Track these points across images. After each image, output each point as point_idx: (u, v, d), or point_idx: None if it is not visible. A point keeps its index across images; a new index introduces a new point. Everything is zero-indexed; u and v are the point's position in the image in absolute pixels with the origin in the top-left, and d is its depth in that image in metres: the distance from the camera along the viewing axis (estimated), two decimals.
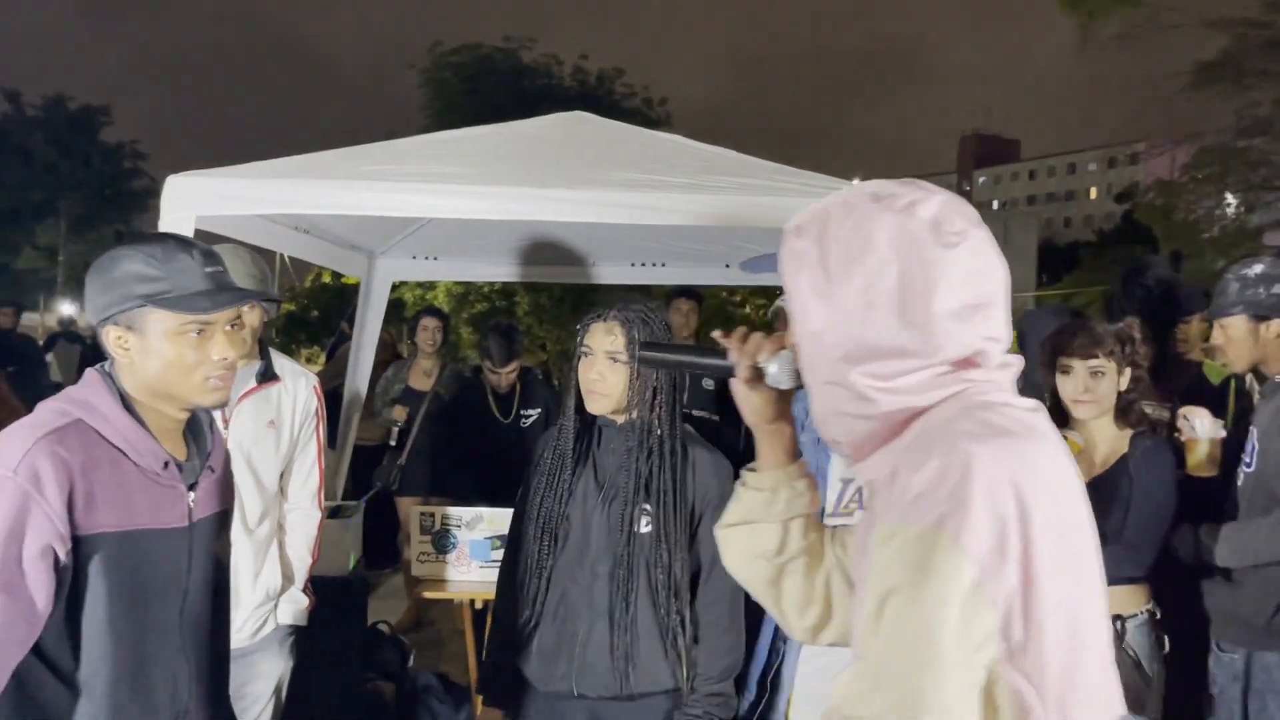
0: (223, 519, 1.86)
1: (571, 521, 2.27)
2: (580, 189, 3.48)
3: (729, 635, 2.28)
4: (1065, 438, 2.77)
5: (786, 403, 1.47)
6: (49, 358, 11.38)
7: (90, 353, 8.44)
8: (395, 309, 18.48)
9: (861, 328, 1.16)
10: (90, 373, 1.70)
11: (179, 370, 1.65)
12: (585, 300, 18.39)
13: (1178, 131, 21.85)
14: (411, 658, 4.43)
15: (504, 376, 5.14)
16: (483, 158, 3.79)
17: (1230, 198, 22.96)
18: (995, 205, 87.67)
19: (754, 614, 2.64)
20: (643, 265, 5.81)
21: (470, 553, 3.76)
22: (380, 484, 5.56)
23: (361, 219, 4.16)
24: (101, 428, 1.62)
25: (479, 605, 3.81)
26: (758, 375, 1.41)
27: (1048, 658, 1.06)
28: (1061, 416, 2.74)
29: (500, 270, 6.01)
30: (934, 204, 1.19)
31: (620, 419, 2.28)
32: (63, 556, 1.55)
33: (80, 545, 1.57)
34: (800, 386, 1.35)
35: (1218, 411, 3.40)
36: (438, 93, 20.38)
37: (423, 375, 5.79)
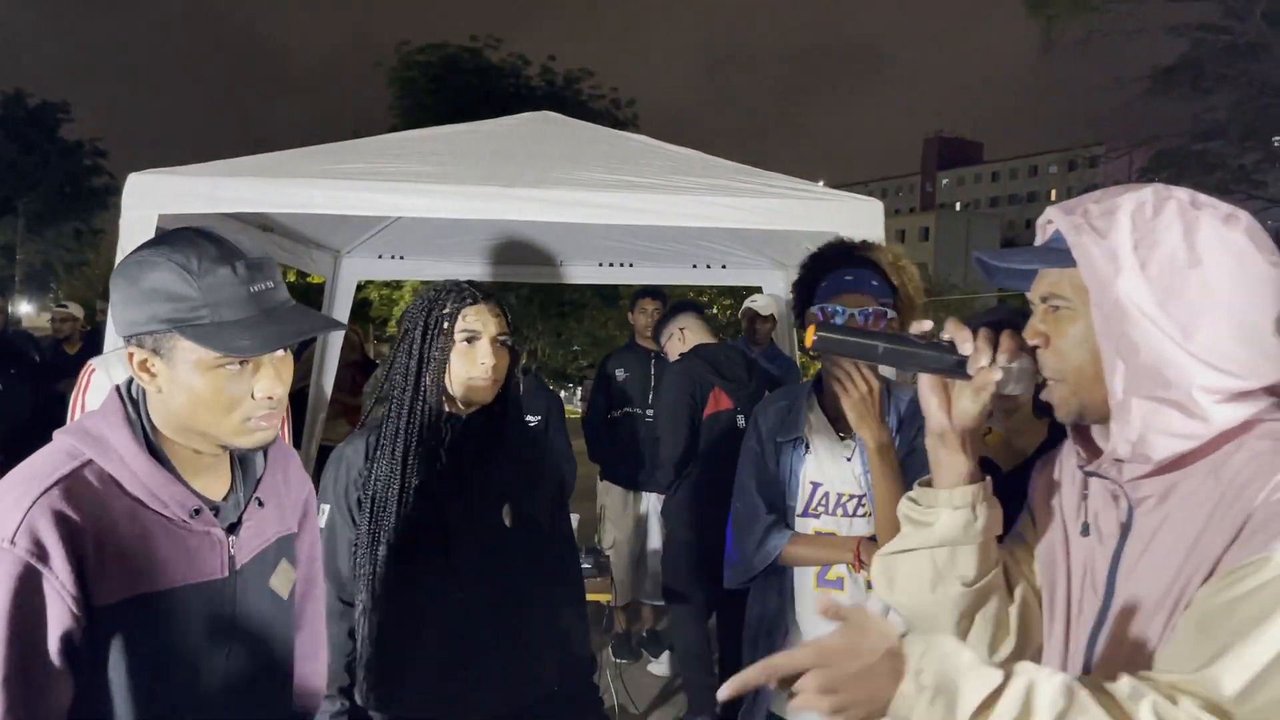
0: (284, 545, 1.56)
1: (443, 528, 2.00)
2: (548, 189, 3.48)
3: (587, 619, 2.29)
4: (990, 429, 2.82)
5: (997, 410, 1.34)
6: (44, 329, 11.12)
7: (47, 355, 8.24)
8: (361, 309, 18.35)
9: (1198, 342, 1.09)
10: (111, 398, 1.40)
11: (213, 409, 1.34)
12: (554, 300, 18.38)
13: (1136, 135, 22.19)
14: None
15: None
16: (450, 157, 3.78)
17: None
18: (958, 206, 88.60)
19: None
20: (610, 265, 5.82)
21: None
22: None
23: (327, 218, 4.13)
24: (117, 472, 1.32)
25: None
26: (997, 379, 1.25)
27: None
28: None
29: (467, 270, 5.98)
30: (1248, 219, 1.14)
31: (468, 410, 2.06)
32: (77, 637, 1.27)
33: (97, 618, 1.28)
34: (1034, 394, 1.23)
35: None
36: (405, 92, 20.26)
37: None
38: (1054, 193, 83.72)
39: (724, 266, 5.75)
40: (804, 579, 2.33)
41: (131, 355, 1.35)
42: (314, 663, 1.75)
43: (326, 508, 2.05)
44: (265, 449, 1.50)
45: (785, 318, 5.67)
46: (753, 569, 2.35)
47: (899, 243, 2.34)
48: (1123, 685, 1.00)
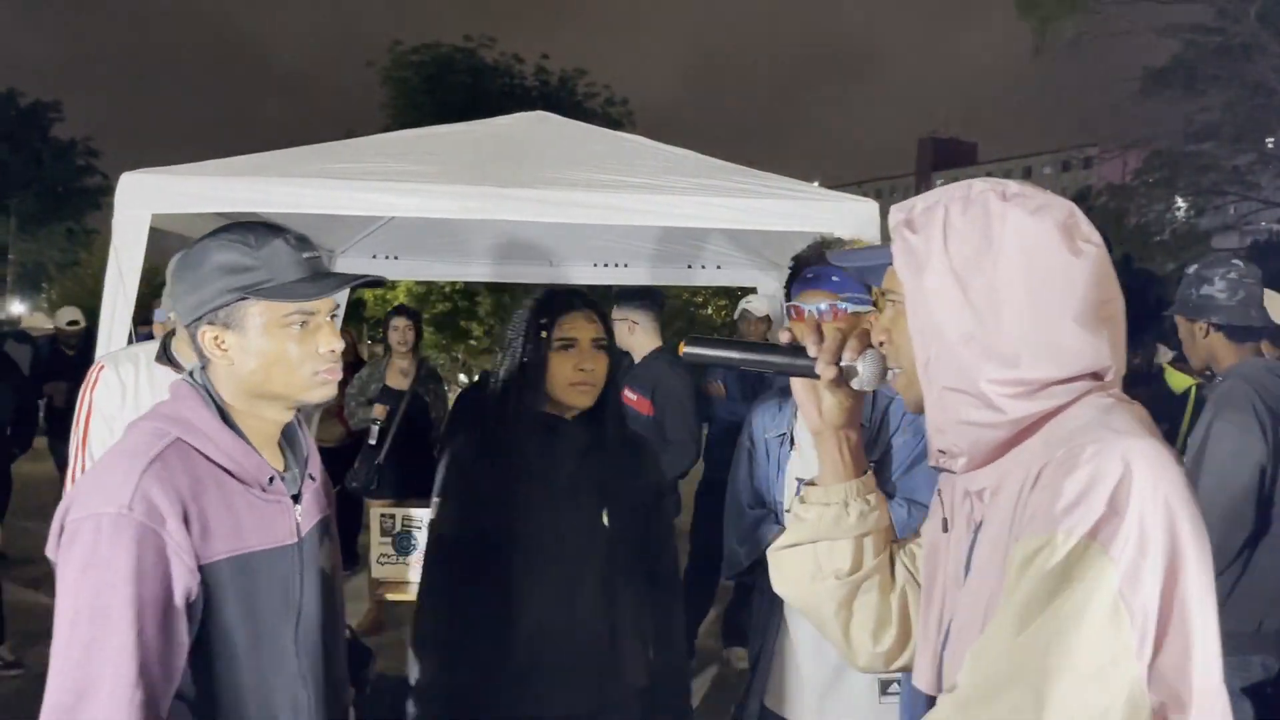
0: (324, 527, 1.71)
1: (536, 526, 2.09)
2: (542, 189, 3.47)
3: (680, 629, 2.29)
4: None
5: (860, 404, 1.37)
6: (21, 350, 11.09)
7: (44, 352, 8.20)
8: (355, 309, 18.33)
9: (993, 334, 1.10)
10: (180, 384, 1.55)
11: (284, 366, 1.50)
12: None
13: (1129, 136, 22.24)
14: (373, 661, 4.39)
15: None
16: (444, 157, 3.78)
17: (1180, 201, 23.43)
18: None
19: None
20: (605, 265, 5.82)
21: None
22: (356, 485, 5.51)
23: (321, 218, 4.12)
24: (203, 445, 1.47)
25: None
26: (842, 376, 1.30)
27: (1194, 674, 1.00)
28: None
29: (462, 270, 5.99)
30: (1064, 209, 1.13)
31: (570, 414, 2.15)
32: (194, 592, 1.41)
33: (202, 576, 1.42)
34: (886, 387, 1.27)
35: (1176, 420, 3.46)
36: (398, 92, 20.24)
37: (399, 375, 5.74)
38: None
39: (719, 267, 5.75)
40: None
41: (203, 335, 1.50)
42: (342, 653, 1.87)
43: (438, 500, 2.17)
44: (305, 431, 1.70)
45: (780, 318, 5.68)
46: (740, 564, 2.40)
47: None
48: None
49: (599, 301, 2.19)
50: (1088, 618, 0.96)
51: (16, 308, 34.00)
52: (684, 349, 1.42)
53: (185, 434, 1.47)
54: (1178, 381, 3.88)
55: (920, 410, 1.22)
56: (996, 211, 1.12)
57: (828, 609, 1.39)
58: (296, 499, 1.60)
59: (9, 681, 4.61)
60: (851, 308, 2.20)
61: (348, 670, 1.90)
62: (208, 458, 1.47)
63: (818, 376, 1.31)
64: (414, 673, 2.15)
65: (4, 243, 38.58)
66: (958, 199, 1.15)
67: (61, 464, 6.88)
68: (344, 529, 6.24)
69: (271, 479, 1.54)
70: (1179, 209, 23.68)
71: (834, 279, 2.21)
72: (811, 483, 1.42)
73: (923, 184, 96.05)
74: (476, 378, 6.06)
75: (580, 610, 2.08)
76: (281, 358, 1.50)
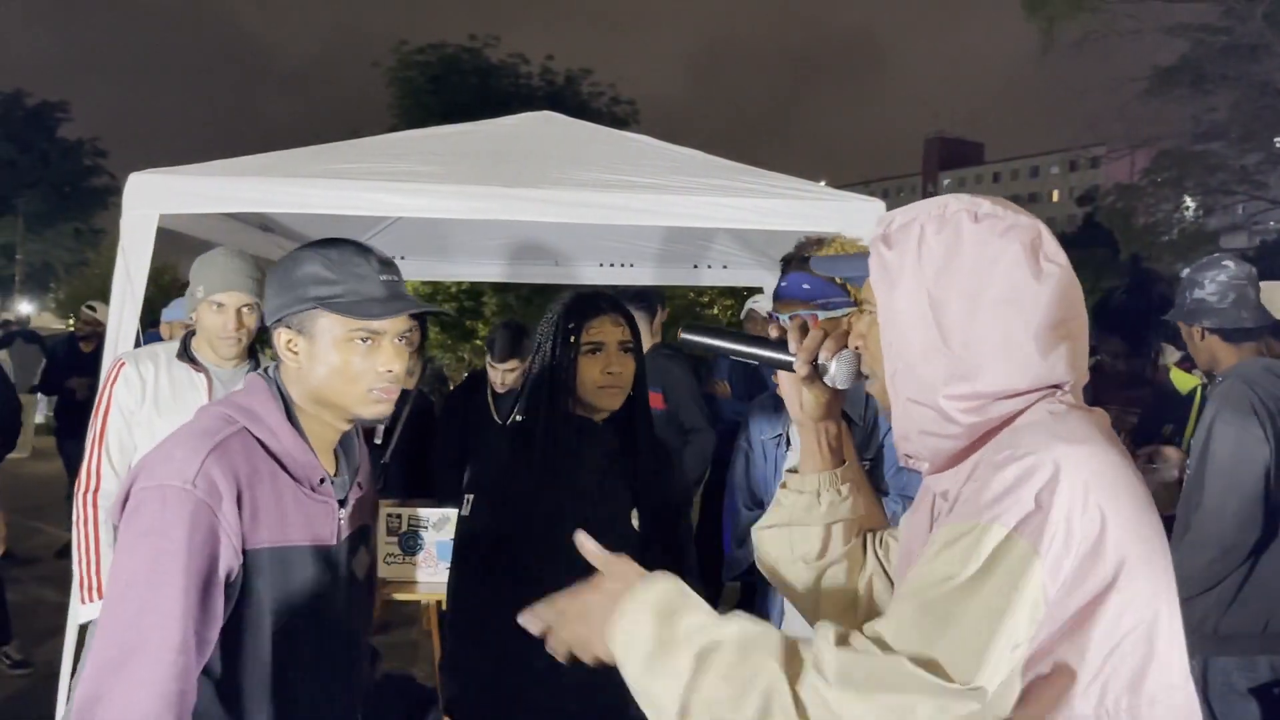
0: (364, 535, 1.78)
1: (566, 529, 2.14)
2: (548, 189, 3.48)
3: None
4: None
5: (838, 401, 1.44)
6: (1, 355, 11.14)
7: (59, 351, 8.21)
8: None
9: (955, 351, 1.15)
10: (255, 378, 1.65)
11: (344, 379, 1.59)
12: (553, 300, 18.35)
13: (1137, 136, 22.17)
14: (380, 660, 4.40)
15: (502, 374, 5.08)
16: (450, 157, 3.78)
17: (1189, 201, 23.37)
18: None
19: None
20: (611, 265, 5.82)
21: (438, 554, 3.73)
22: None
23: (327, 218, 4.13)
24: (265, 438, 1.57)
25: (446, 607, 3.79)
26: (816, 373, 1.38)
27: (1150, 678, 1.07)
28: None
29: (467, 270, 6.00)
30: (1032, 230, 1.17)
31: (599, 416, 2.18)
32: (235, 572, 1.50)
33: (246, 561, 1.51)
34: (860, 385, 1.33)
35: (1182, 421, 3.45)
36: (404, 91, 20.27)
37: (405, 375, 5.75)
38: (1055, 194, 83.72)
39: (725, 267, 5.75)
40: None
41: (279, 335, 1.61)
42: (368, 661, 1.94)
43: (470, 497, 2.19)
44: (360, 443, 1.78)
45: None
46: (740, 565, 2.42)
47: None
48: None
49: (625, 306, 2.20)
50: (1015, 611, 1.02)
51: (25, 307, 34.10)
52: (681, 334, 1.54)
53: (251, 424, 1.56)
54: (1183, 382, 3.87)
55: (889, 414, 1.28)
56: (968, 232, 1.16)
57: (798, 589, 1.48)
58: (343, 504, 1.68)
59: (17, 680, 4.63)
60: (823, 315, 2.19)
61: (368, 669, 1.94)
62: (268, 450, 1.56)
63: (794, 371, 1.40)
64: (444, 667, 2.20)
65: (11, 243, 38.71)
66: (933, 217, 1.19)
67: (69, 463, 6.91)
68: None
69: (323, 480, 1.62)
70: (1187, 208, 23.61)
71: (804, 287, 2.23)
72: (794, 470, 1.49)
73: (929, 183, 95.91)
74: (464, 377, 6.03)
75: None
76: (343, 370, 1.59)
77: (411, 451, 5.52)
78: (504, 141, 4.10)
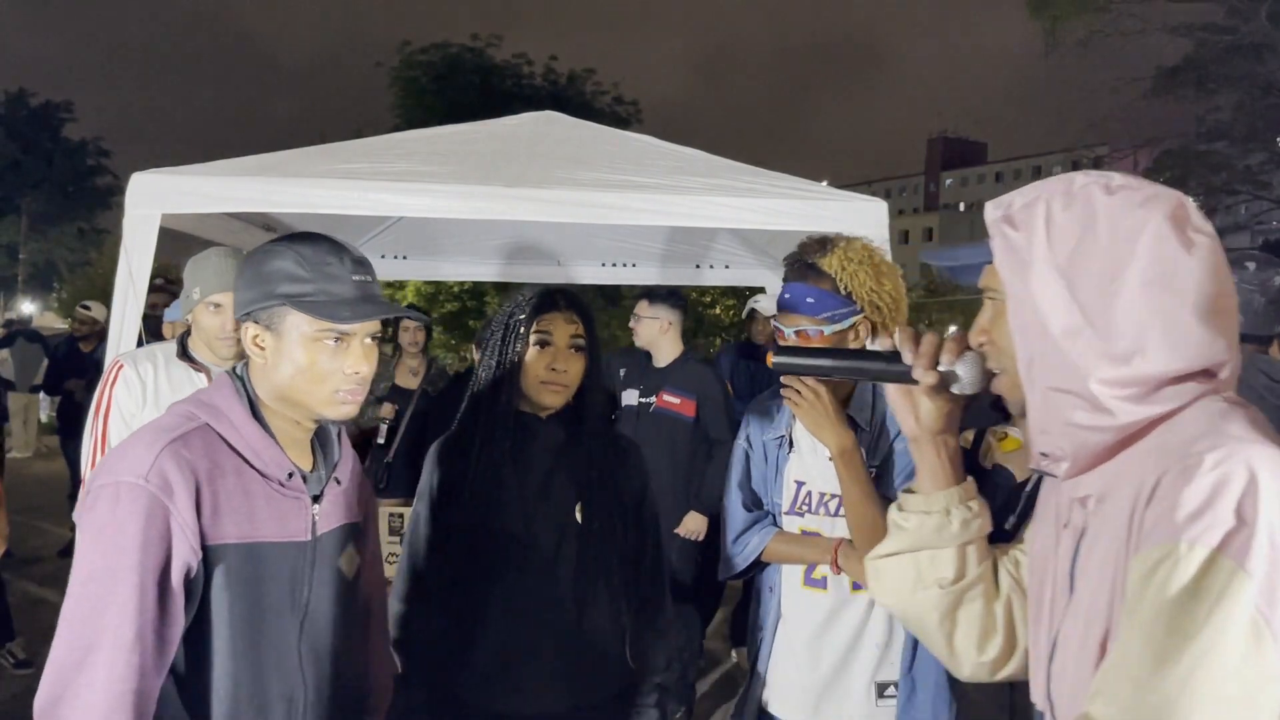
0: (351, 532, 1.73)
1: (512, 525, 2.07)
2: (551, 189, 3.48)
3: (668, 624, 2.25)
4: (1007, 434, 2.77)
5: (959, 411, 1.34)
6: (3, 354, 11.15)
7: (60, 351, 8.22)
8: None
9: (1101, 332, 1.05)
10: (222, 375, 1.63)
11: (309, 378, 1.56)
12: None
13: (1140, 136, 22.14)
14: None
15: None
16: (453, 157, 3.78)
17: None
18: (962, 207, 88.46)
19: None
20: (613, 265, 5.82)
21: None
22: None
23: (330, 217, 4.13)
24: (228, 434, 1.54)
25: None
26: (941, 381, 1.27)
27: None
28: (1005, 412, 2.76)
29: (470, 270, 6.00)
30: (1174, 199, 1.09)
31: (544, 412, 2.14)
32: (194, 568, 1.46)
33: (205, 556, 1.48)
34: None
35: None
36: (407, 91, 20.26)
37: (409, 374, 5.74)
38: None
39: (727, 266, 5.75)
40: (791, 577, 2.34)
41: (246, 330, 1.58)
42: (382, 661, 1.92)
43: (418, 498, 2.18)
44: (342, 438, 1.75)
45: None
46: (734, 566, 2.37)
47: (904, 243, 2.28)
48: None
49: (586, 303, 2.16)
50: (1228, 640, 0.90)
51: (27, 307, 34.13)
52: (773, 359, 1.41)
53: (213, 420, 1.54)
54: None
55: (1021, 411, 1.18)
56: (1101, 205, 1.08)
57: (931, 619, 1.36)
58: (317, 499, 1.64)
59: (20, 680, 4.64)
60: (829, 329, 2.17)
61: (388, 674, 1.92)
62: (231, 446, 1.54)
63: (916, 383, 1.29)
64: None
65: (15, 242, 38.75)
66: (1059, 194, 1.11)
67: (72, 463, 6.92)
68: None
69: (291, 475, 1.59)
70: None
71: (809, 300, 2.18)
72: (910, 490, 1.40)
73: (931, 183, 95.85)
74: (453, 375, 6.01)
75: (552, 610, 2.06)
76: (309, 369, 1.56)
77: (414, 451, 5.52)
78: (506, 141, 4.10)
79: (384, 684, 1.92)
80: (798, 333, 2.19)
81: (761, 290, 5.73)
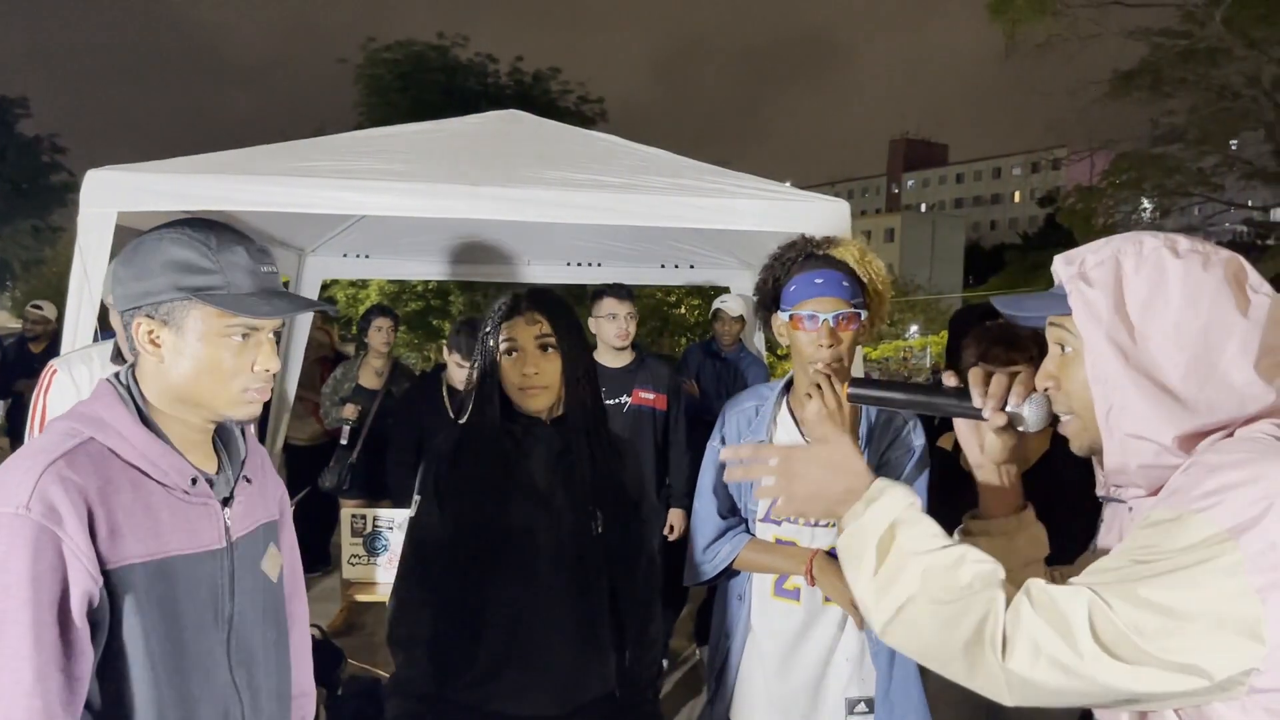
0: (270, 531, 1.65)
1: (511, 530, 2.07)
2: (515, 188, 3.46)
3: (655, 628, 2.24)
4: None
5: (1021, 444, 1.44)
6: None
7: (10, 352, 8.06)
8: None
9: (1176, 388, 1.16)
10: (101, 384, 1.51)
11: (215, 377, 1.45)
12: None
13: (1097, 138, 22.48)
14: (344, 661, 4.37)
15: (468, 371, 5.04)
16: (416, 155, 3.76)
17: (1146, 203, 23.72)
18: (923, 208, 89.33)
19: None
20: (578, 265, 5.82)
21: None
22: (329, 485, 5.47)
23: (290, 216, 4.09)
24: (116, 445, 1.42)
25: None
26: (1008, 421, 1.39)
27: None
28: None
29: (434, 269, 5.97)
30: (1234, 262, 1.20)
31: (544, 416, 2.13)
32: (95, 597, 1.34)
33: (109, 581, 1.35)
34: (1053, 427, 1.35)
35: None
36: (371, 89, 20.11)
37: (373, 374, 5.70)
38: (1017, 195, 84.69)
39: (692, 266, 5.76)
40: (762, 586, 2.30)
41: (137, 326, 1.45)
42: (304, 664, 1.83)
43: (419, 499, 2.16)
44: (245, 431, 1.65)
45: (753, 318, 5.68)
46: (702, 575, 2.33)
47: (866, 244, 2.31)
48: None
49: (554, 300, 2.15)
50: (1223, 619, 1.01)
51: None
52: (848, 390, 1.51)
53: (98, 433, 1.42)
54: None
55: (1091, 453, 1.29)
56: (1171, 267, 1.19)
57: None
58: (228, 503, 1.55)
59: None
60: (863, 313, 2.17)
61: (310, 676, 1.86)
62: (123, 458, 1.42)
63: (985, 419, 1.41)
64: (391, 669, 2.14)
65: None
66: (1130, 254, 1.22)
67: None
68: (318, 529, 6.16)
69: (195, 481, 1.48)
70: (1145, 210, 23.96)
71: (843, 284, 2.14)
72: (975, 516, 1.48)
73: (893, 184, 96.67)
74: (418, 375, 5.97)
75: (550, 612, 2.06)
76: (214, 367, 1.46)
77: (378, 452, 5.48)
78: (471, 140, 4.08)
79: (309, 685, 1.85)
80: (839, 318, 2.13)
81: (726, 290, 5.75)
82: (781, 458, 1.38)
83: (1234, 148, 21.96)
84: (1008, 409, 1.39)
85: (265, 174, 3.40)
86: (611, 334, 4.31)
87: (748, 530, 2.32)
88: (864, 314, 2.17)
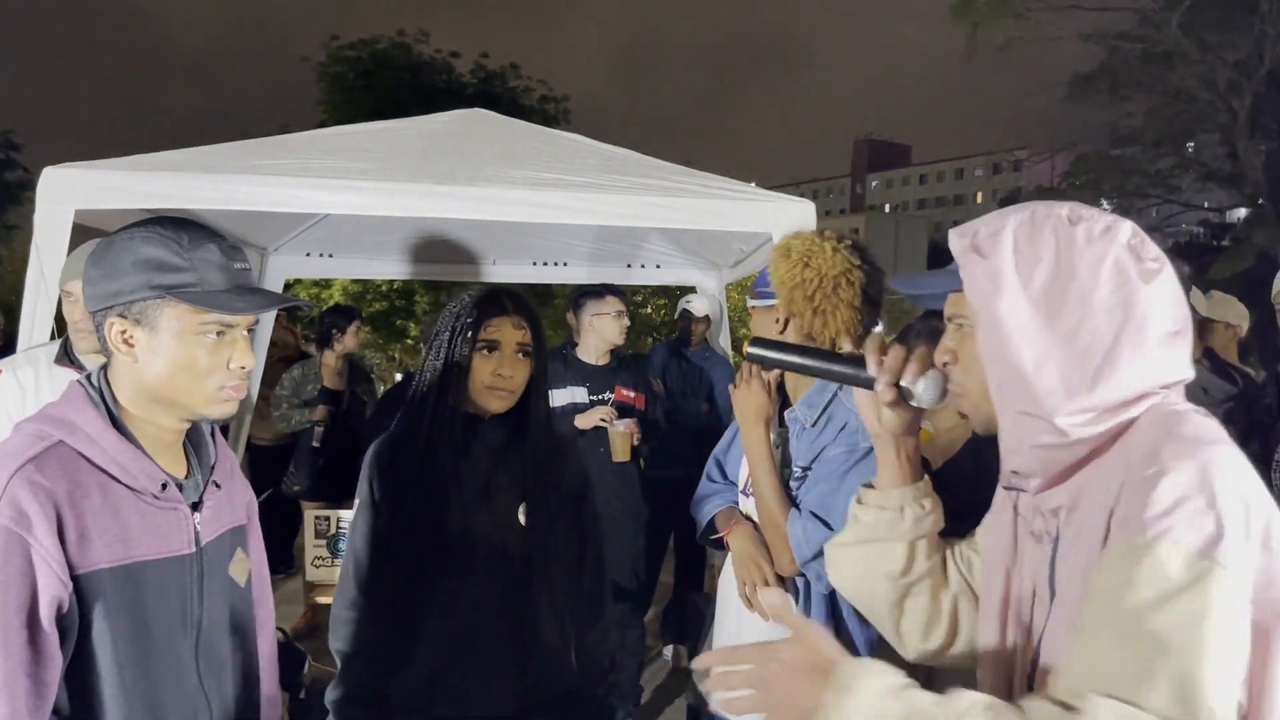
0: (238, 535, 1.64)
1: (454, 526, 2.05)
2: (480, 186, 3.45)
3: (610, 623, 2.25)
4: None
5: (919, 417, 1.41)
6: None
7: None
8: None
9: (1071, 361, 1.10)
10: (72, 385, 1.48)
11: (190, 375, 1.44)
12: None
13: (1057, 140, 22.81)
14: (307, 664, 4.33)
15: None
16: (380, 153, 3.73)
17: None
18: (887, 208, 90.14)
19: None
20: (543, 264, 5.80)
21: None
22: (298, 488, 5.42)
23: (252, 215, 4.04)
24: (86, 449, 1.40)
25: None
26: (901, 395, 1.36)
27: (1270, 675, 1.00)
28: None
29: (398, 268, 5.92)
30: (1129, 229, 1.15)
31: (488, 414, 2.11)
32: (65, 603, 1.33)
33: (78, 586, 1.34)
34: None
35: None
36: (334, 87, 19.93)
37: (336, 376, 5.65)
38: (980, 195, 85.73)
39: (658, 266, 5.77)
40: (728, 585, 2.37)
41: (110, 326, 1.44)
42: (271, 668, 1.82)
43: (357, 501, 2.12)
44: (215, 436, 1.64)
45: (719, 318, 5.71)
46: (698, 527, 2.50)
47: None
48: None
49: (533, 307, 2.14)
50: (1220, 638, 0.96)
51: None
52: (748, 349, 1.51)
53: (68, 437, 1.40)
54: None
55: (988, 431, 1.23)
56: (1064, 236, 1.14)
57: (880, 607, 1.44)
58: (197, 507, 1.54)
59: None
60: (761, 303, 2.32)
61: (276, 682, 1.85)
62: (92, 462, 1.40)
63: (876, 391, 1.38)
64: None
65: None
66: (1024, 224, 1.16)
67: None
68: (282, 532, 6.08)
69: (165, 485, 1.47)
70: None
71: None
72: (870, 485, 1.46)
73: (857, 185, 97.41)
74: (399, 377, 5.97)
75: (496, 610, 2.04)
76: (190, 365, 1.44)
77: (341, 454, 5.44)
78: (435, 138, 4.06)
79: (275, 691, 1.85)
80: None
81: (693, 290, 5.76)
82: (756, 660, 1.10)
83: (1190, 150, 22.37)
84: (902, 383, 1.36)
85: (227, 172, 3.36)
86: (615, 332, 4.36)
87: (731, 501, 2.46)
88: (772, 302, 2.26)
